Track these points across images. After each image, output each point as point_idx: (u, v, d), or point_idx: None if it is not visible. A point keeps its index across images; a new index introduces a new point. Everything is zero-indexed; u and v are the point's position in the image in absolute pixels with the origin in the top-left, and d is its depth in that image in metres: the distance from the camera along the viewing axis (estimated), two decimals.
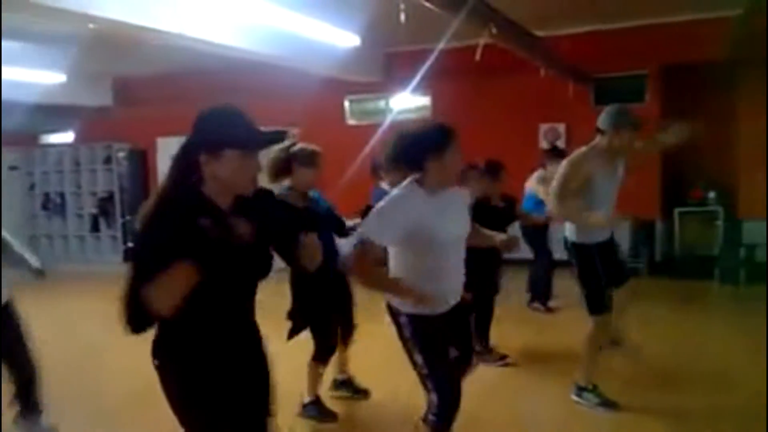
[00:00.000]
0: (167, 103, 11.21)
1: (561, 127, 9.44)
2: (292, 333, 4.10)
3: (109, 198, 12.53)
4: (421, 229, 2.84)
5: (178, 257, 1.94)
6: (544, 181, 6.62)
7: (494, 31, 5.37)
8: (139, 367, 2.42)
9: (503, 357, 5.37)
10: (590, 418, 4.19)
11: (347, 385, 4.70)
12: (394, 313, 3.00)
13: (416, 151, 2.89)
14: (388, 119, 10.14)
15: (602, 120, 4.18)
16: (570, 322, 5.69)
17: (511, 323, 6.23)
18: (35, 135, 13.43)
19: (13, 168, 13.20)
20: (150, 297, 1.95)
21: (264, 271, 2.27)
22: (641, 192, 8.62)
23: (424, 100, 10.38)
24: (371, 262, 2.85)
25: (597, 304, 4.22)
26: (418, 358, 2.93)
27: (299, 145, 4.19)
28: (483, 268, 5.11)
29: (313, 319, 4.15)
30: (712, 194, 9.06)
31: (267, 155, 4.09)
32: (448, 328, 3.04)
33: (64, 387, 5.20)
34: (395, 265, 3.00)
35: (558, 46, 8.27)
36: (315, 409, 4.35)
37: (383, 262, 3.00)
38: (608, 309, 4.24)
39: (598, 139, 4.18)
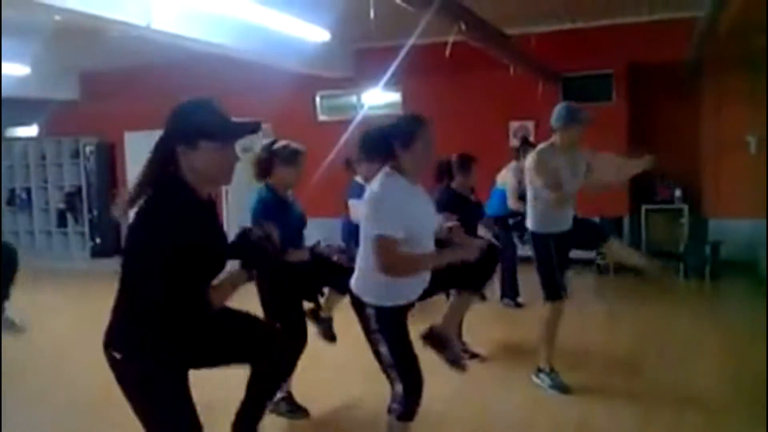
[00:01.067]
0: (135, 97, 11.08)
1: (530, 125, 9.51)
2: None
3: (77, 193, 12.33)
4: (410, 218, 2.85)
5: (194, 253, 2.08)
6: (519, 171, 6.73)
7: (464, 28, 5.39)
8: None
9: (475, 355, 5.38)
10: (560, 415, 4.21)
11: (286, 403, 4.38)
12: (358, 306, 2.98)
13: (387, 140, 2.93)
14: (360, 115, 10.13)
15: (553, 119, 4.45)
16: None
17: (483, 320, 6.27)
18: None
19: None
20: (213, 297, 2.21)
21: (222, 266, 2.33)
22: (610, 189, 8.73)
23: (395, 96, 10.39)
24: (398, 252, 2.81)
25: (552, 290, 4.48)
26: (384, 349, 2.93)
27: (280, 143, 4.14)
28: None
29: (280, 317, 4.05)
30: (678, 192, 9.19)
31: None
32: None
33: (32, 382, 5.14)
34: (367, 257, 2.91)
35: (527, 45, 8.34)
36: (286, 406, 4.35)
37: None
38: (563, 295, 4.49)
39: (553, 137, 4.47)
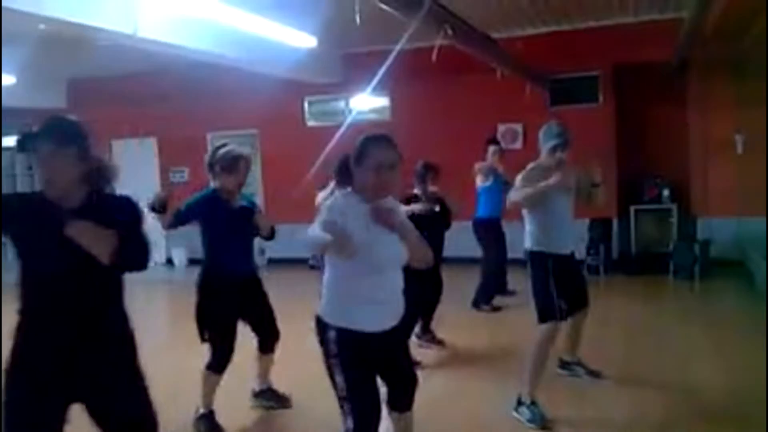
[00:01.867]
0: (122, 104, 11.04)
1: (518, 128, 9.54)
2: (201, 337, 4.02)
3: None
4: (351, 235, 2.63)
5: None
6: (485, 168, 7.07)
7: (450, 32, 5.40)
8: None
9: (439, 341, 5.81)
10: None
11: (267, 395, 4.47)
12: (321, 327, 2.77)
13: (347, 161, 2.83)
14: (348, 120, 10.13)
15: (541, 138, 4.38)
16: (520, 322, 5.75)
17: (457, 326, 6.30)
18: None
19: None
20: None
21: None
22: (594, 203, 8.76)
23: (384, 101, 10.40)
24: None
25: (546, 311, 4.19)
26: (339, 379, 2.70)
27: (225, 149, 4.07)
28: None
29: (211, 325, 4.00)
30: (666, 192, 9.25)
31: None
32: (381, 352, 2.80)
33: None
34: (328, 274, 2.81)
35: (514, 48, 8.36)
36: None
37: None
38: (557, 317, 4.19)
39: (541, 157, 4.38)
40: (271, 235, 4.19)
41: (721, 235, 8.72)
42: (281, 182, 10.19)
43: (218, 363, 4.01)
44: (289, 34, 6.95)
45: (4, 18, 5.68)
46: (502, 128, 9.65)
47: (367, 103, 10.40)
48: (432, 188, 5.43)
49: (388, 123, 10.32)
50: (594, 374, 4.75)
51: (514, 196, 4.25)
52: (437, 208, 5.36)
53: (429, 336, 5.83)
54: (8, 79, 9.12)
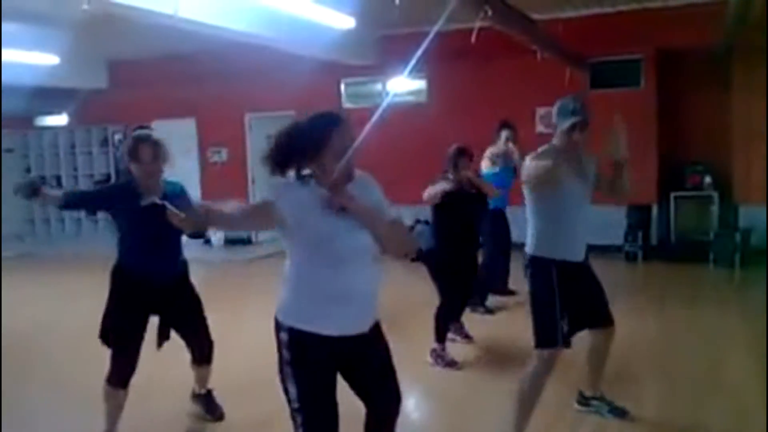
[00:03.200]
0: (163, 85, 11.18)
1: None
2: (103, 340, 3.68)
3: (106, 180, 12.49)
4: (307, 224, 2.41)
5: None
6: (494, 156, 6.66)
7: (490, 13, 5.34)
8: None
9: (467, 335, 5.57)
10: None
11: (202, 401, 4.13)
12: (277, 328, 2.48)
13: (297, 146, 2.49)
14: (385, 102, 10.11)
15: (554, 115, 3.64)
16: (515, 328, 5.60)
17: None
18: (30, 117, 13.38)
19: (8, 151, 13.17)
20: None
21: None
22: (638, 176, 8.59)
23: (421, 84, 10.35)
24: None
25: (545, 334, 3.44)
26: (292, 388, 2.41)
27: (135, 133, 3.69)
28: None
29: (114, 333, 3.64)
30: (708, 179, 9.06)
31: None
32: (345, 362, 2.50)
33: (62, 368, 5.23)
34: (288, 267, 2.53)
35: (554, 30, 8.24)
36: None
37: None
38: (559, 343, 3.41)
39: (554, 138, 3.63)
40: (197, 234, 3.57)
41: (763, 223, 8.51)
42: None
43: (116, 376, 3.59)
44: (327, 15, 6.96)
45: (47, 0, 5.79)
46: (541, 111, 9.53)
47: (404, 85, 10.37)
48: (467, 173, 5.13)
49: (425, 106, 10.28)
50: (619, 413, 3.88)
51: (532, 183, 3.51)
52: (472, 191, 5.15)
53: (458, 326, 5.54)
54: (52, 59, 9.30)
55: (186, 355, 3.97)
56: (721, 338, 5.50)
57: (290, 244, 2.46)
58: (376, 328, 2.57)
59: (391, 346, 2.62)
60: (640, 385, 4.43)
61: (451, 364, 4.95)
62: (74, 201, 3.91)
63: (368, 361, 2.56)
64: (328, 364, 2.44)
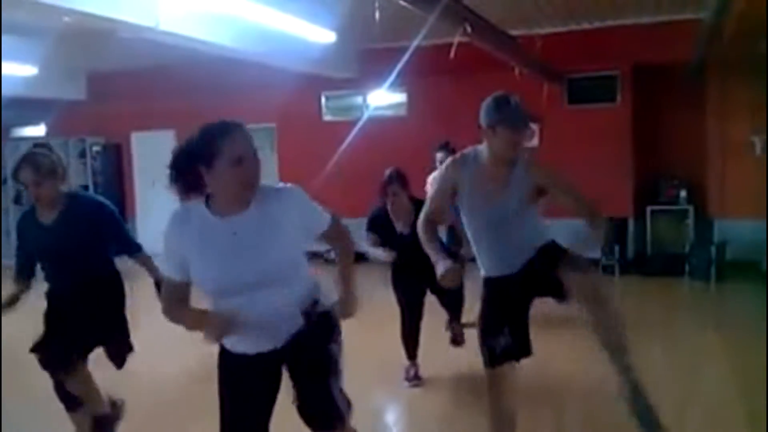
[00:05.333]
0: (142, 97, 11.14)
1: (534, 126, 9.51)
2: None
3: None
4: (199, 261, 2.28)
5: None
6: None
7: (469, 29, 5.41)
8: None
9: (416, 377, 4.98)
10: None
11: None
12: None
13: (190, 161, 2.26)
14: (365, 116, 10.17)
15: (481, 113, 3.17)
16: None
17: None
18: (6, 128, 13.24)
19: None
20: None
21: None
22: (615, 190, 8.74)
23: (401, 97, 10.42)
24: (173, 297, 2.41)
25: (485, 352, 3.17)
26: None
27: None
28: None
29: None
30: (683, 193, 9.19)
31: None
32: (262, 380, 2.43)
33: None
34: None
35: (532, 46, 8.35)
36: None
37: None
38: (499, 360, 3.12)
39: (483, 141, 3.16)
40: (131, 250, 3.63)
41: (738, 237, 8.65)
42: (298, 177, 10.22)
43: (64, 402, 3.56)
44: (308, 29, 6.99)
45: (30, 10, 5.77)
46: None
47: (384, 99, 10.43)
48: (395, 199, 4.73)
49: (405, 119, 10.35)
50: None
51: (419, 230, 3.22)
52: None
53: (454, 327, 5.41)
54: (30, 70, 9.23)
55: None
56: (698, 350, 5.57)
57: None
58: (301, 336, 2.38)
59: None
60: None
61: (409, 379, 4.86)
62: (26, 268, 3.59)
63: (295, 370, 2.42)
64: (249, 381, 2.40)
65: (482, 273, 3.22)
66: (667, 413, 4.13)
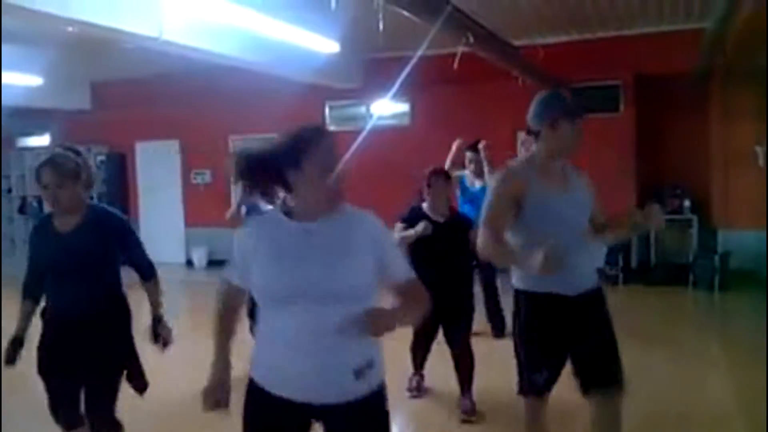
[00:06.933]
0: (146, 107, 11.18)
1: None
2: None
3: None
4: (264, 270, 2.14)
5: None
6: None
7: (471, 40, 5.43)
8: None
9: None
10: None
11: None
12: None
13: (271, 163, 2.17)
14: (369, 125, 10.18)
15: (532, 115, 3.02)
16: None
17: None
18: (11, 138, 13.30)
19: None
20: None
21: None
22: (618, 200, 8.73)
23: (404, 107, 10.44)
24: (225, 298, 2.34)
25: (529, 380, 2.98)
26: None
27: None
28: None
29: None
30: (687, 202, 9.18)
31: None
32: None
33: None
34: None
35: (535, 56, 8.37)
36: None
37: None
38: (542, 390, 2.98)
39: (534, 146, 3.05)
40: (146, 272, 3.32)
41: (742, 246, 8.63)
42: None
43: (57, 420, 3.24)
44: (312, 39, 7.02)
45: (32, 20, 5.81)
46: (521, 136, 9.62)
47: (387, 108, 10.45)
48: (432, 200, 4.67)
49: (408, 129, 10.36)
50: None
51: (479, 242, 2.97)
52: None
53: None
54: (35, 80, 9.29)
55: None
56: (701, 360, 5.54)
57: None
58: (360, 405, 2.11)
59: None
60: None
61: (412, 389, 4.84)
62: (36, 284, 3.29)
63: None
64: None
65: (528, 287, 2.95)
66: (670, 423, 4.16)
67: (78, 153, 3.29)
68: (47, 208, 3.31)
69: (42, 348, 3.21)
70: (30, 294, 3.29)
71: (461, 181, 6.46)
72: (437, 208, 4.61)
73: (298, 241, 2.12)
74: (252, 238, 2.19)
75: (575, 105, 2.97)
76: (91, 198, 3.40)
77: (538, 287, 2.89)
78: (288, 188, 2.14)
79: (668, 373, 5.24)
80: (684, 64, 8.06)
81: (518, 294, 3.00)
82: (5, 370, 3.27)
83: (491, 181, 3.07)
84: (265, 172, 2.14)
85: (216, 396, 2.22)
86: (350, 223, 2.17)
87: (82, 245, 3.10)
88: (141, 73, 10.65)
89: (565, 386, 3.01)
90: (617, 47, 8.96)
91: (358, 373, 2.07)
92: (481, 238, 2.94)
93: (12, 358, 3.21)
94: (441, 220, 4.56)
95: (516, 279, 3.00)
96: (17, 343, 3.22)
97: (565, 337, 2.92)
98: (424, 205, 4.64)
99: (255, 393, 2.15)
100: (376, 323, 2.03)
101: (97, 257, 3.13)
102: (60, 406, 3.20)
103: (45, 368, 3.20)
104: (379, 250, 2.17)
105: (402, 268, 2.24)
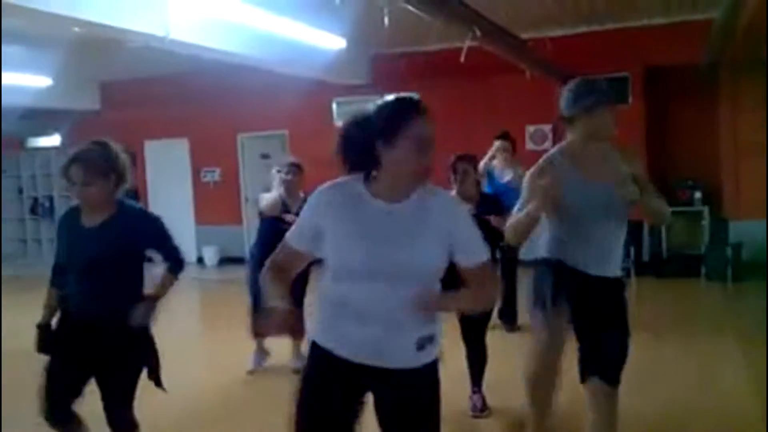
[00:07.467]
0: (154, 106, 11.21)
1: (547, 128, 9.49)
2: None
3: None
4: (335, 240, 2.14)
5: None
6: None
7: (478, 33, 5.41)
8: None
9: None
10: None
11: None
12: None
13: (365, 138, 2.11)
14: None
15: (567, 102, 3.04)
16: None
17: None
18: (21, 139, 13.38)
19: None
20: None
21: None
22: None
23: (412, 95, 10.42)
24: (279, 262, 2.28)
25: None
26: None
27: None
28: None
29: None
30: (698, 194, 9.13)
31: None
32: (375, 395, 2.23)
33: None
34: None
35: (542, 48, 8.32)
36: None
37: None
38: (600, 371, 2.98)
39: (568, 136, 3.08)
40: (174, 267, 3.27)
41: (754, 237, 8.57)
42: (309, 183, 10.27)
43: (47, 412, 3.09)
44: (319, 36, 7.03)
45: (40, 21, 5.83)
46: (530, 129, 9.61)
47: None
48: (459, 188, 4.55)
49: None
50: None
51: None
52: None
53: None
54: (44, 81, 9.34)
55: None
56: (714, 352, 5.51)
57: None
58: (415, 374, 2.16)
59: None
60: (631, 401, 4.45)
61: (474, 410, 4.39)
62: (59, 273, 3.23)
63: (388, 408, 2.21)
64: (335, 388, 2.19)
65: (552, 256, 3.02)
66: (682, 415, 4.14)
67: (106, 147, 3.24)
68: (72, 201, 3.24)
69: (56, 333, 3.15)
70: (56, 283, 3.23)
71: (489, 172, 6.39)
72: (467, 194, 4.40)
73: (379, 222, 2.09)
74: (331, 208, 2.14)
75: (609, 92, 3.04)
76: (128, 193, 3.24)
77: (564, 258, 2.99)
78: (376, 164, 2.09)
79: (681, 365, 5.22)
80: (693, 55, 8.00)
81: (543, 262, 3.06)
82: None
83: (527, 176, 3.07)
84: (358, 145, 2.11)
85: (279, 321, 2.14)
86: (429, 203, 2.13)
87: (106, 242, 3.03)
88: (149, 72, 10.68)
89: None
90: (625, 39, 8.90)
91: (421, 345, 2.13)
92: (511, 220, 3.01)
93: (44, 346, 3.15)
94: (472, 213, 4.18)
95: (544, 250, 3.06)
96: (44, 328, 3.17)
97: (578, 313, 2.98)
98: (452, 194, 4.20)
99: (318, 353, 2.19)
100: (428, 305, 2.08)
101: (120, 255, 3.04)
102: (58, 394, 3.08)
103: (54, 353, 3.11)
104: (452, 232, 2.14)
105: (480, 251, 2.18)
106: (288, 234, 2.25)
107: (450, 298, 2.17)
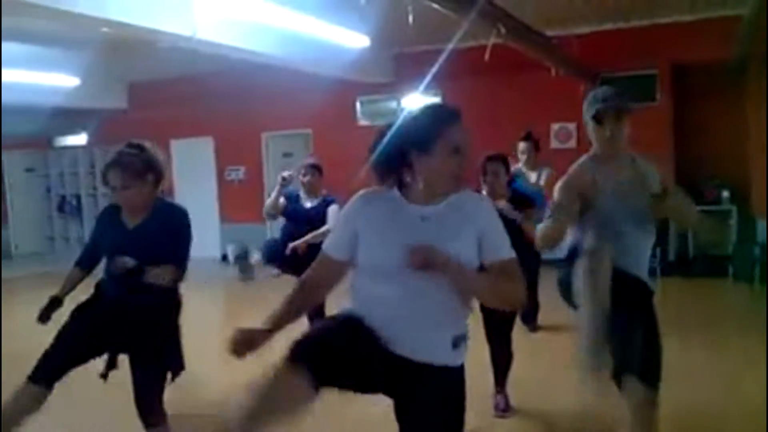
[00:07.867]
0: (181, 105, 11.32)
1: (572, 127, 9.42)
2: None
3: None
4: (370, 246, 2.19)
5: None
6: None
7: (503, 31, 5.38)
8: None
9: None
10: None
11: None
12: None
13: (401, 146, 2.17)
14: (400, 119, 10.16)
15: (585, 111, 3.07)
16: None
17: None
18: (49, 137, 13.58)
19: (29, 170, 13.38)
20: None
21: None
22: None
23: (435, 100, 10.40)
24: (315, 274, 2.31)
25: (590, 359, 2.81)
26: None
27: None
28: None
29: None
30: (725, 193, 9.02)
31: None
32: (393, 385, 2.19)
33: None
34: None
35: (568, 46, 8.27)
36: None
37: None
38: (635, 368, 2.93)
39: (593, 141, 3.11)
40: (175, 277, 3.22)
41: None
42: (333, 182, 10.31)
43: (35, 369, 3.10)
44: (343, 35, 7.05)
45: (67, 22, 5.92)
46: (555, 127, 9.56)
47: (418, 102, 10.41)
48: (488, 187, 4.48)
49: None
50: None
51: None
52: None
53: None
54: (72, 81, 9.46)
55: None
56: (741, 353, 5.45)
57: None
58: (430, 371, 2.15)
59: None
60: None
61: (498, 409, 4.32)
62: (91, 259, 3.46)
63: (406, 401, 2.18)
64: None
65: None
66: (707, 416, 4.09)
67: (143, 149, 3.33)
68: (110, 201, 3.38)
69: (84, 305, 3.23)
70: (81, 263, 3.41)
71: (515, 175, 6.34)
72: (497, 195, 4.30)
73: (414, 226, 2.14)
74: (366, 213, 2.21)
75: (610, 100, 2.97)
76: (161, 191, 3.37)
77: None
78: (410, 171, 2.15)
79: (707, 366, 5.15)
80: (721, 52, 7.89)
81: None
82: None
83: (559, 185, 3.05)
84: (393, 155, 2.16)
85: (236, 345, 2.20)
86: (461, 205, 2.18)
87: (145, 241, 3.14)
88: (176, 71, 10.79)
89: None
90: (653, 36, 8.82)
91: (455, 344, 2.18)
92: (542, 227, 3.00)
93: (46, 316, 3.28)
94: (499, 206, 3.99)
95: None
96: (56, 302, 3.31)
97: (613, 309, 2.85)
98: (483, 195, 4.12)
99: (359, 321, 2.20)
100: (432, 259, 2.02)
101: (158, 254, 3.11)
102: (56, 355, 3.11)
103: (73, 321, 3.18)
104: (482, 231, 2.17)
105: (505, 247, 2.20)
106: (324, 245, 2.30)
107: (460, 267, 2.08)
